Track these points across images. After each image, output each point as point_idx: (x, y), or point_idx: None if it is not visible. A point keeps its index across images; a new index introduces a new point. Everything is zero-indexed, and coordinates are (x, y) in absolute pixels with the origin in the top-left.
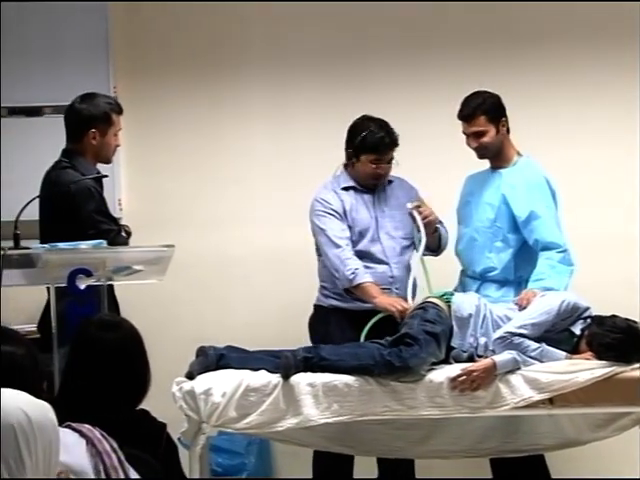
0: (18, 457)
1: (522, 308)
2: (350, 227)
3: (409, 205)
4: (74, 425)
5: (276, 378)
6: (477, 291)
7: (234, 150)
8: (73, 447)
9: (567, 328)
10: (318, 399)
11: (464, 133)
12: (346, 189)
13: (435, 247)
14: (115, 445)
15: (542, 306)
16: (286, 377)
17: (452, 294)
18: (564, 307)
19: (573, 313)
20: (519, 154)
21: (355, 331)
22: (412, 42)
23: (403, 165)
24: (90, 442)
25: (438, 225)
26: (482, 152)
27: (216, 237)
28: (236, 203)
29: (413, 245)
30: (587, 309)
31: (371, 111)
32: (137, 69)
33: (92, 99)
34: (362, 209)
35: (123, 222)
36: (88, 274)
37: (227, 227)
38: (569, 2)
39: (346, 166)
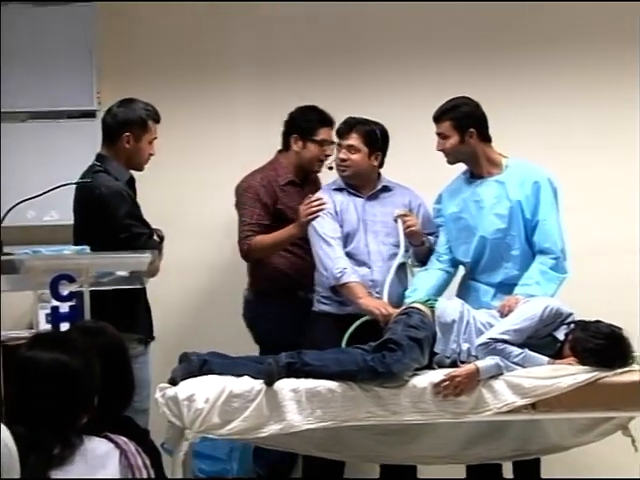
0: None
1: (503, 315)
2: (341, 227)
3: (395, 212)
4: (111, 436)
5: (259, 384)
6: (493, 298)
7: (220, 156)
8: (106, 457)
9: (550, 333)
10: (301, 405)
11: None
12: (338, 190)
13: (424, 259)
14: (147, 462)
15: (525, 312)
16: (269, 383)
17: (436, 300)
18: (547, 313)
19: (556, 319)
20: (504, 156)
21: (339, 336)
22: (402, 44)
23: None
24: (124, 454)
25: (430, 237)
26: (446, 157)
27: (202, 243)
28: (221, 209)
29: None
30: (570, 315)
31: (357, 112)
32: (121, 74)
33: (130, 103)
34: (352, 210)
35: None
36: (71, 280)
37: (213, 233)
38: (571, 2)
39: None
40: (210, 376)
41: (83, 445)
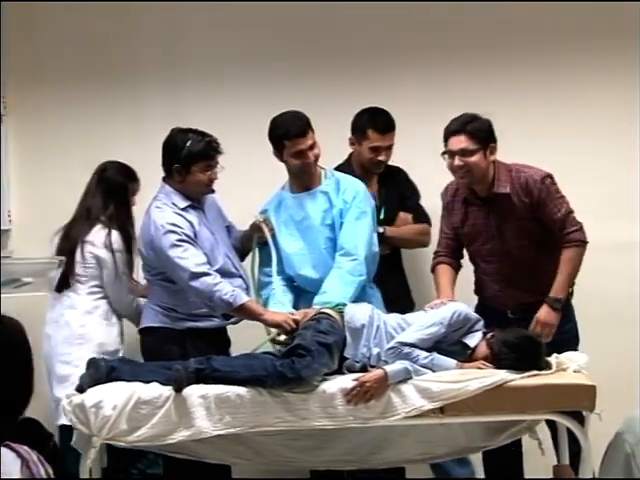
0: None
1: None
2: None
3: (259, 217)
4: (13, 445)
5: (168, 390)
6: None
7: (128, 163)
8: (8, 466)
9: (459, 340)
10: (210, 411)
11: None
12: (188, 208)
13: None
14: (50, 471)
15: (433, 317)
16: (178, 389)
17: (345, 305)
18: (455, 318)
19: (465, 324)
20: (322, 167)
21: (213, 349)
22: (317, 51)
23: None
24: (26, 464)
25: None
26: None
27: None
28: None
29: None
30: (478, 321)
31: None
32: (28, 80)
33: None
34: (203, 226)
35: (12, 234)
36: None
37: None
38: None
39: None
40: (118, 383)
41: None
